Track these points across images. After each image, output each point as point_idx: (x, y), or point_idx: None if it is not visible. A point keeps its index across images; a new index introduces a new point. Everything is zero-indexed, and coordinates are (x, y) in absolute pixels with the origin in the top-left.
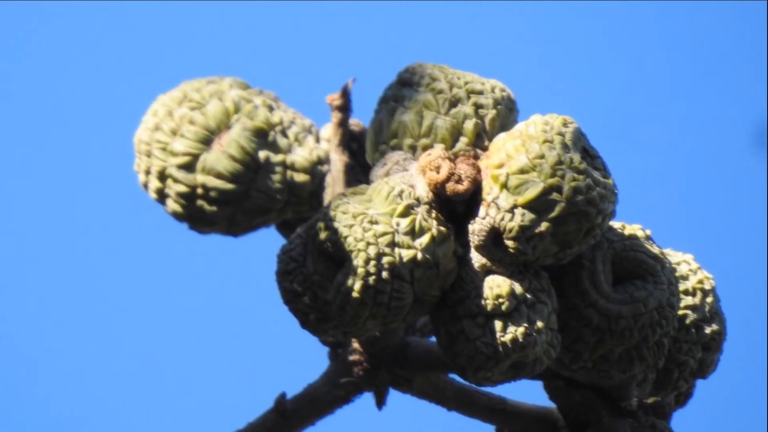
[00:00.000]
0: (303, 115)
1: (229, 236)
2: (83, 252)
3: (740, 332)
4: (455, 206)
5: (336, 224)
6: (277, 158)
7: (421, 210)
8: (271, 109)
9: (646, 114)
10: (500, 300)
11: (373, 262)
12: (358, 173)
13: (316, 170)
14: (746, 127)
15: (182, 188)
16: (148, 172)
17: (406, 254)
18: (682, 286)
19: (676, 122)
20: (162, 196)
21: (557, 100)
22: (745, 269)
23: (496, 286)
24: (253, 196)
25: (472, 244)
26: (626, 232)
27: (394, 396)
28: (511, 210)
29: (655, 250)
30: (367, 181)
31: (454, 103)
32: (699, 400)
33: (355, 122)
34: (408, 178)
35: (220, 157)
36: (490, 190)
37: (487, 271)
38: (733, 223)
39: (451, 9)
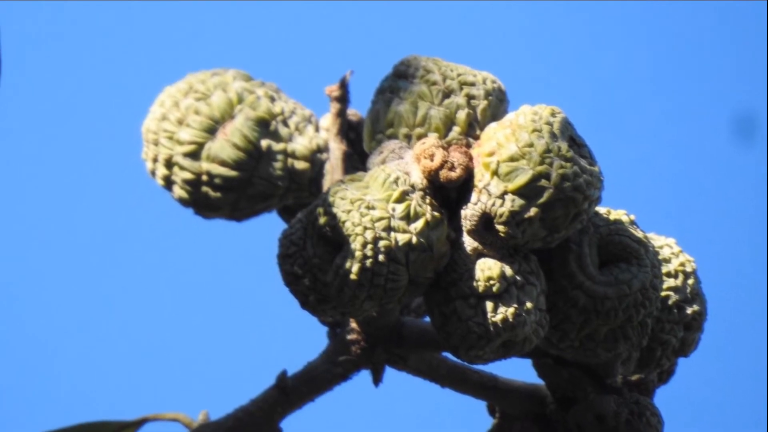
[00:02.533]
0: (303, 105)
1: (233, 221)
2: (93, 238)
3: (719, 312)
4: (448, 193)
5: (335, 210)
6: (278, 147)
7: (416, 196)
8: (272, 99)
9: (631, 103)
10: (491, 282)
11: (370, 246)
12: (356, 161)
13: (316, 158)
14: (727, 115)
15: (188, 175)
16: (155, 160)
17: (402, 238)
18: (664, 269)
19: (660, 111)
20: (169, 183)
21: (545, 91)
22: (728, 252)
23: (488, 269)
24: (255, 183)
25: (464, 228)
26: (611, 217)
27: (390, 373)
28: (502, 196)
29: (639, 234)
30: (365, 169)
31: (447, 94)
32: (681, 377)
33: (353, 112)
34: (403, 165)
35: (224, 145)
36: (481, 177)
37: (478, 255)
38: (715, 206)
39: (446, 3)
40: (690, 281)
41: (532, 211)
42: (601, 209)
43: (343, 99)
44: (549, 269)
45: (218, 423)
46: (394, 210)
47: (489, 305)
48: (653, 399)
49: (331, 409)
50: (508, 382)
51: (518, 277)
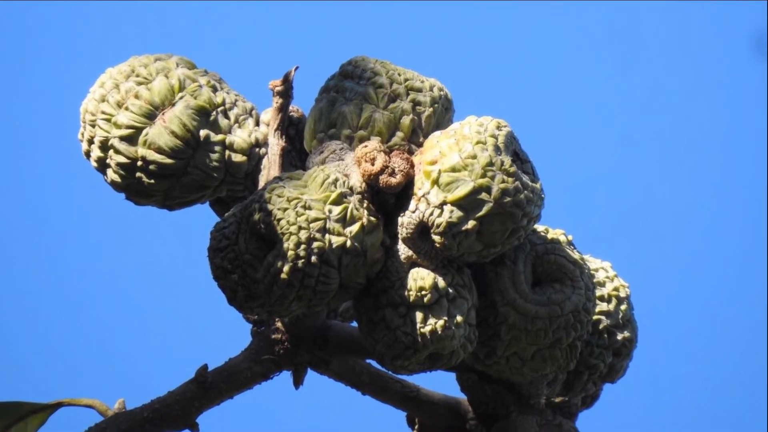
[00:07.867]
0: (245, 98)
1: (165, 209)
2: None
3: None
4: (386, 198)
5: (270, 206)
6: (216, 137)
7: (354, 199)
8: (214, 89)
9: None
10: (423, 292)
11: (303, 246)
12: (294, 158)
13: (254, 152)
14: (746, 35)
15: (123, 159)
16: (91, 142)
17: (336, 241)
18: (598, 293)
19: (681, 29)
20: (103, 166)
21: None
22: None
23: (420, 279)
24: (190, 172)
25: (400, 236)
26: (549, 236)
27: (311, 376)
28: (441, 206)
29: (576, 255)
30: (303, 167)
31: (393, 98)
32: (605, 402)
33: (295, 109)
34: (343, 167)
35: (162, 132)
36: (421, 186)
37: (412, 264)
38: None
39: (399, 6)
40: (623, 307)
41: (470, 224)
42: (540, 227)
43: (286, 94)
44: (482, 284)
45: (134, 412)
46: (330, 212)
47: (419, 316)
48: (576, 422)
49: (249, 408)
50: (429, 394)
51: (450, 290)
